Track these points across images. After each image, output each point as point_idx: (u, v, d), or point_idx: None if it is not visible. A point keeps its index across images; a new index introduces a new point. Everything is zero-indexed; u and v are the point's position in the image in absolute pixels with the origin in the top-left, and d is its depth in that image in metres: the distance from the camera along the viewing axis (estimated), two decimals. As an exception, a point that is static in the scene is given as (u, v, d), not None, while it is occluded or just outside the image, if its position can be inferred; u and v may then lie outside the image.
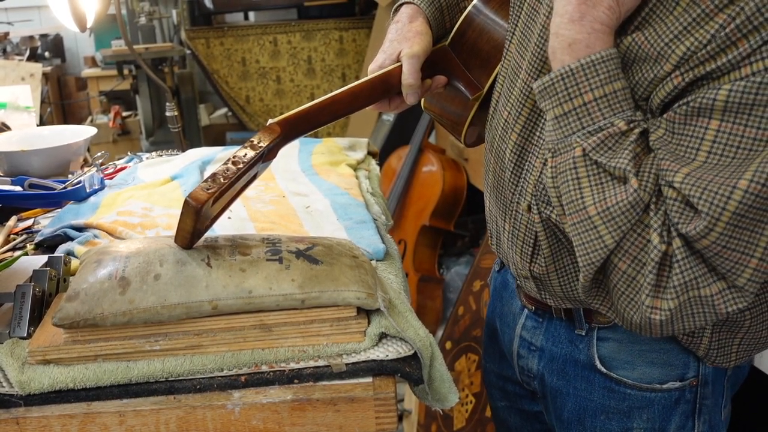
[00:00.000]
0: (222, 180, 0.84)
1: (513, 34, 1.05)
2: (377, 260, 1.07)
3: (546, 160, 0.91)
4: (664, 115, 0.84)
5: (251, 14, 5.10)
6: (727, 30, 0.78)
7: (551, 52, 0.88)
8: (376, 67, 1.10)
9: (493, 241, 1.19)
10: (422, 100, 1.19)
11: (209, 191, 0.83)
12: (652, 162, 0.84)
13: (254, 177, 0.97)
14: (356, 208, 1.24)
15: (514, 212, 1.05)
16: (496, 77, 1.10)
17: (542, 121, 0.98)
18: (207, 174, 1.46)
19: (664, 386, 1.04)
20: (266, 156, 0.93)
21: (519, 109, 1.01)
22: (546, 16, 0.94)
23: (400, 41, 1.10)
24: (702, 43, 0.80)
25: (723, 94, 0.78)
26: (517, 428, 1.32)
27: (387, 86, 1.07)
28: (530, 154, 1.01)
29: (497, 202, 1.10)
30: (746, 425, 2.00)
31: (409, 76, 1.07)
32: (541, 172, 0.98)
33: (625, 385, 1.06)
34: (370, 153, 1.62)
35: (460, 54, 1.13)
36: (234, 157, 0.87)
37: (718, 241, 0.80)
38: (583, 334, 1.08)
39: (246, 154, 0.88)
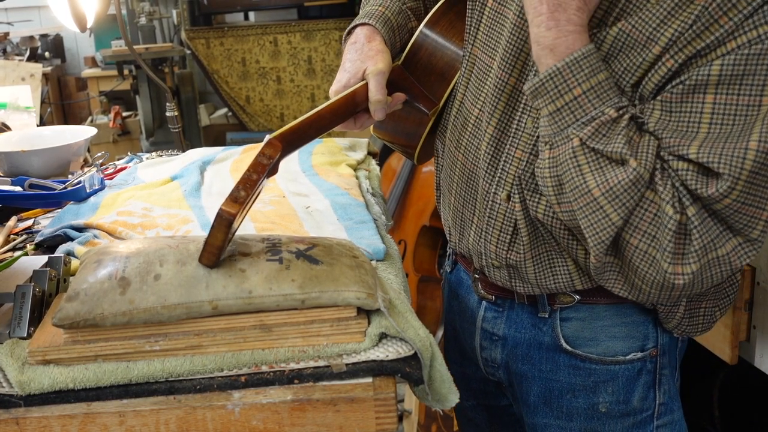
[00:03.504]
0: (245, 185, 0.84)
1: (475, 37, 1.12)
2: (377, 260, 1.08)
3: (541, 152, 0.97)
4: (658, 98, 0.91)
5: (251, 14, 5.10)
6: (710, 9, 0.86)
7: (536, 59, 0.95)
8: (340, 87, 1.12)
9: (454, 238, 1.23)
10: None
11: (238, 201, 0.82)
12: (649, 142, 0.90)
13: (259, 193, 0.97)
14: (356, 209, 1.24)
15: (490, 203, 1.09)
16: (453, 88, 1.16)
17: (518, 113, 1.05)
18: (207, 174, 1.46)
19: (627, 357, 1.11)
20: (272, 170, 0.93)
21: (494, 104, 1.07)
22: (517, 14, 1.02)
23: (363, 60, 1.13)
24: (688, 24, 0.87)
25: (716, 69, 0.86)
26: (485, 424, 1.35)
27: (353, 105, 1.10)
28: (507, 146, 1.06)
29: (465, 197, 1.16)
30: (744, 424, 2.00)
31: (376, 92, 1.10)
32: (527, 162, 1.03)
33: (590, 360, 1.12)
34: (370, 153, 1.62)
35: (414, 72, 1.18)
36: (249, 169, 0.87)
37: (739, 198, 0.87)
38: (546, 316, 1.13)
39: (259, 164, 0.88)
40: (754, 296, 1.56)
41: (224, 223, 0.81)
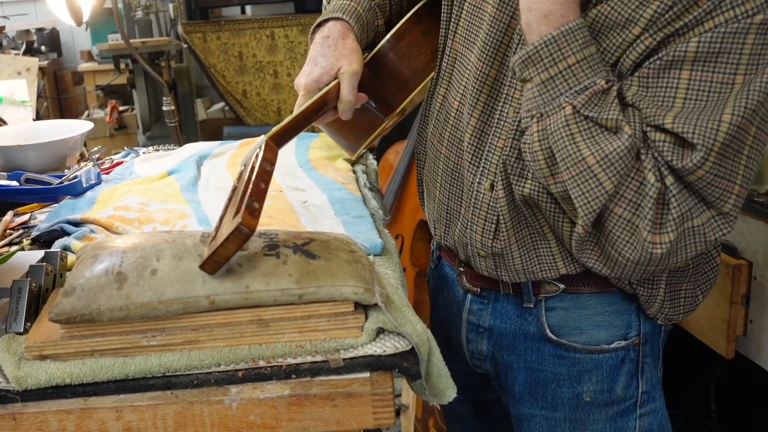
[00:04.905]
0: (257, 196, 0.82)
1: (455, 32, 1.14)
2: (374, 255, 1.07)
3: (527, 127, 0.98)
4: (635, 74, 0.94)
5: (248, 8, 5.09)
6: None
7: (526, 26, 0.95)
8: (311, 81, 1.11)
9: (439, 232, 1.24)
10: None
11: (255, 215, 0.80)
12: (633, 112, 0.93)
13: None
14: (354, 203, 1.24)
15: (474, 193, 1.10)
16: (417, 97, 1.18)
17: (500, 104, 1.06)
18: (204, 169, 1.46)
19: (611, 346, 1.12)
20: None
21: (476, 96, 1.08)
22: (495, 7, 1.04)
23: (338, 58, 1.12)
24: (668, 6, 0.90)
25: (692, 46, 0.89)
26: (472, 419, 1.37)
27: (325, 103, 1.10)
28: (490, 136, 1.08)
29: (451, 190, 1.17)
30: (741, 417, 2.00)
31: (349, 93, 1.10)
32: (511, 148, 1.04)
33: (574, 349, 1.13)
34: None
35: (378, 74, 1.18)
36: (257, 177, 0.85)
37: (712, 170, 0.90)
38: (532, 306, 1.14)
39: (265, 172, 0.87)
40: (751, 291, 1.57)
41: (243, 237, 0.79)
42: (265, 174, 0.87)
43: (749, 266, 1.56)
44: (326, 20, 1.18)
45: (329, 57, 1.12)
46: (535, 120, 0.96)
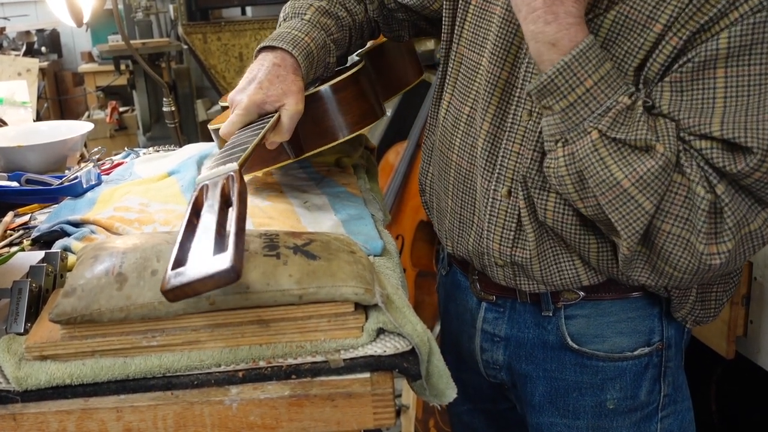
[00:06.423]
0: (243, 237, 0.77)
1: (460, 36, 1.11)
2: (375, 255, 1.07)
3: (551, 151, 0.94)
4: (666, 79, 0.90)
5: (248, 9, 5.09)
6: None
7: (537, 56, 0.92)
8: (253, 103, 1.08)
9: (450, 242, 1.20)
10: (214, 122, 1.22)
11: (242, 258, 0.74)
12: (666, 125, 0.89)
13: None
14: (354, 204, 1.24)
15: (490, 200, 1.07)
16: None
17: (512, 107, 1.03)
18: (203, 168, 1.45)
19: (635, 353, 1.10)
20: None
21: (488, 100, 1.05)
22: (504, 8, 1.01)
23: (285, 92, 1.09)
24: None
25: (723, 42, 0.85)
26: (483, 428, 1.34)
27: (265, 135, 1.09)
28: (504, 140, 1.05)
29: (464, 198, 1.14)
30: (742, 417, 2.00)
31: (287, 132, 1.09)
32: (531, 160, 1.01)
33: (597, 358, 1.10)
34: (367, 148, 1.62)
35: (302, 114, 1.15)
36: (238, 217, 0.79)
37: None
38: (551, 314, 1.11)
39: (242, 213, 0.81)
40: (752, 291, 1.57)
41: (229, 281, 0.71)
42: (243, 212, 0.81)
43: (749, 266, 1.56)
44: (277, 48, 1.13)
45: (277, 87, 1.09)
46: (559, 145, 0.93)
